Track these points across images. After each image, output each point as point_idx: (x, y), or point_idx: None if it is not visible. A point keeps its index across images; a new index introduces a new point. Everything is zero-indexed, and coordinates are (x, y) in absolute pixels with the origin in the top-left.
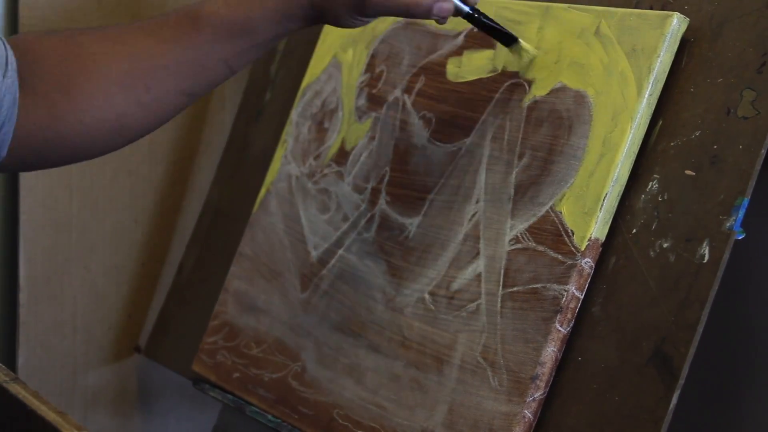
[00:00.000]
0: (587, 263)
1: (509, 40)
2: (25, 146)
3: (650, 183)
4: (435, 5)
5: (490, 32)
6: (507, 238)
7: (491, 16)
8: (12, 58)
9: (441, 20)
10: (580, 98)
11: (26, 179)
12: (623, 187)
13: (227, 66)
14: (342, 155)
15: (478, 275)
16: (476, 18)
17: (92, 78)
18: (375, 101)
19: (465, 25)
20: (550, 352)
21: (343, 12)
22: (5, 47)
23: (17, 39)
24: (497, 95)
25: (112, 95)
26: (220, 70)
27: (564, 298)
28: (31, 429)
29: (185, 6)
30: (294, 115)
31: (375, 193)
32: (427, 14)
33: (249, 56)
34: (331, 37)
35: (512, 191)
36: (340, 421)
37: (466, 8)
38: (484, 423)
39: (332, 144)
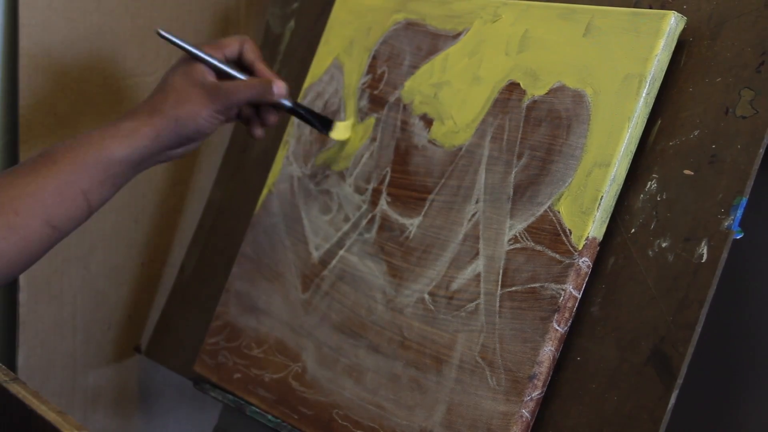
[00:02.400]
0: (585, 262)
1: (326, 126)
2: None
3: (649, 182)
4: (274, 86)
5: (308, 121)
6: (506, 238)
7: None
8: None
9: (254, 121)
10: (578, 98)
11: None
12: (621, 187)
13: (85, 198)
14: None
15: (478, 275)
16: (297, 110)
17: None
18: (376, 102)
19: (465, 26)
20: (548, 351)
21: (200, 109)
22: None
23: None
24: (496, 95)
25: None
26: (79, 202)
27: (561, 298)
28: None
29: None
30: None
31: (376, 193)
32: (271, 95)
33: (107, 191)
34: (332, 38)
35: (511, 191)
36: (340, 421)
37: (288, 103)
38: (482, 422)
39: (334, 145)
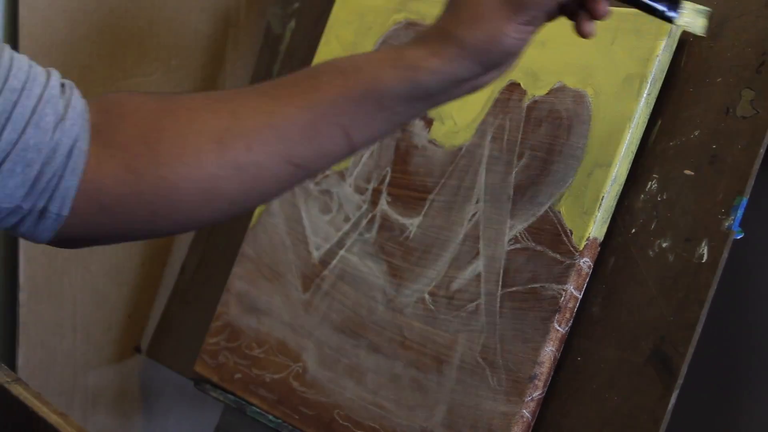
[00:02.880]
0: (585, 263)
1: (673, 11)
2: (95, 203)
3: (649, 183)
4: None
5: (648, 9)
6: (506, 238)
7: None
8: (79, 104)
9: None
10: (579, 98)
11: None
12: (622, 187)
13: (346, 135)
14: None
15: (478, 275)
16: None
17: (183, 132)
18: None
19: None
20: (549, 351)
21: (505, 24)
22: (71, 91)
23: (105, 97)
24: (497, 95)
25: (204, 152)
26: (336, 138)
27: (562, 298)
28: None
29: (309, 67)
30: None
31: (376, 193)
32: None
33: (376, 127)
34: (333, 38)
35: (512, 191)
36: (341, 421)
37: None
38: (483, 423)
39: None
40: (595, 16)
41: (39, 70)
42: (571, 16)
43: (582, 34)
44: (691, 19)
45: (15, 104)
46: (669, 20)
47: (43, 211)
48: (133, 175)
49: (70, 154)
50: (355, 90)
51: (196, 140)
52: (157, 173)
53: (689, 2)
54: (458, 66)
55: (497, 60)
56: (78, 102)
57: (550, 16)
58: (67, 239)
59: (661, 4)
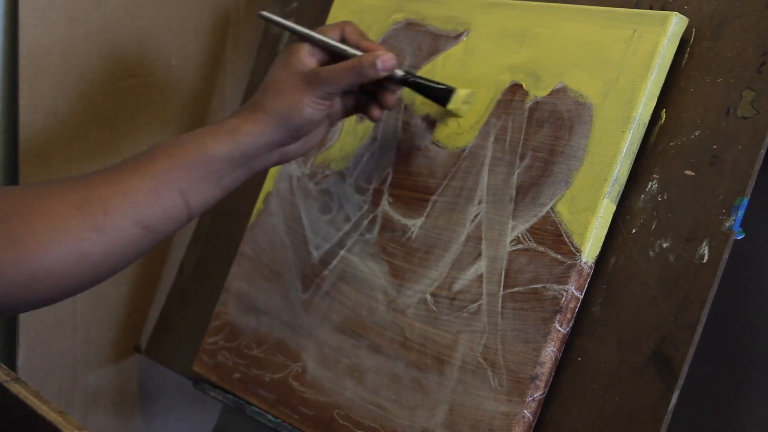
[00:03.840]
0: (586, 263)
1: (445, 97)
2: None
3: (650, 183)
4: (378, 60)
5: (426, 93)
6: (508, 239)
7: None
8: None
9: (384, 76)
10: (580, 99)
11: (26, 179)
12: (622, 187)
13: (183, 198)
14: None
15: (480, 276)
16: (411, 81)
17: (50, 203)
18: None
19: (466, 27)
20: (550, 352)
21: (302, 97)
22: None
23: None
24: (499, 96)
25: (69, 219)
26: (175, 201)
27: (563, 298)
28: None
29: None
30: None
31: (377, 194)
32: (374, 71)
33: (208, 191)
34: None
35: (514, 192)
36: (341, 421)
37: (400, 72)
38: (484, 423)
39: (334, 145)
40: (384, 106)
41: None
42: (364, 108)
43: (371, 117)
44: (460, 103)
45: None
46: (442, 104)
47: None
48: (11, 243)
49: None
50: (186, 157)
51: (61, 209)
52: (32, 239)
53: (462, 89)
54: (266, 129)
55: (299, 125)
56: None
57: (344, 107)
58: None
59: (439, 90)
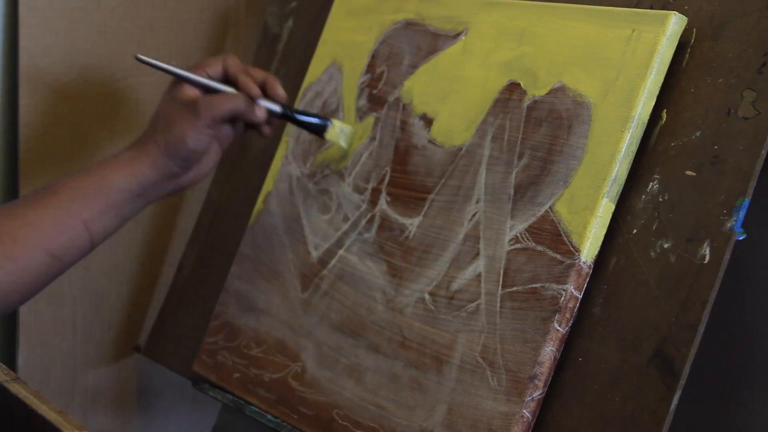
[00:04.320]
0: (585, 263)
1: (321, 129)
2: None
3: (651, 183)
4: (257, 108)
5: (304, 126)
6: (507, 238)
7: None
8: None
9: (261, 123)
10: (579, 98)
11: (26, 179)
12: (622, 187)
13: (86, 228)
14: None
15: (478, 275)
16: (289, 115)
17: None
18: (376, 101)
19: (465, 26)
20: (549, 351)
21: (185, 128)
22: None
23: None
24: (497, 95)
25: None
26: (80, 231)
27: (562, 298)
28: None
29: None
30: None
31: (375, 193)
32: (251, 113)
33: (109, 221)
34: (331, 37)
35: (512, 191)
36: (340, 421)
37: (278, 108)
38: (483, 423)
39: (332, 145)
40: (261, 133)
41: None
42: (252, 128)
43: (262, 134)
44: (337, 134)
45: None
46: (320, 134)
47: None
48: None
49: None
50: (87, 188)
51: None
52: None
53: (338, 122)
54: (158, 160)
55: (185, 156)
56: None
57: (227, 134)
58: None
59: (314, 122)
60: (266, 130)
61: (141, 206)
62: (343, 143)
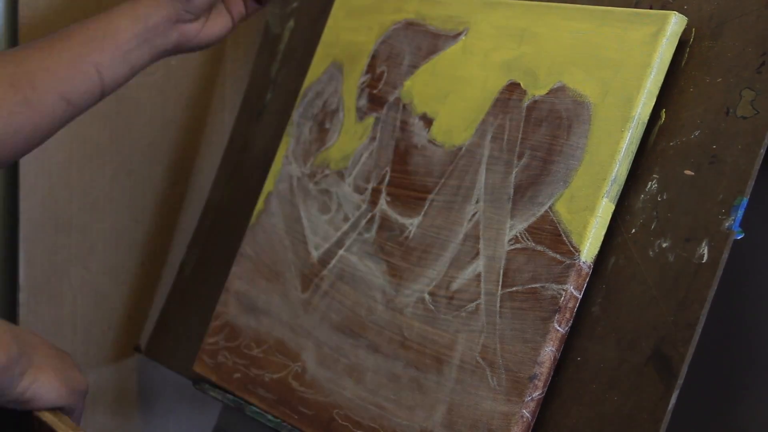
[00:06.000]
0: (585, 263)
1: None
2: None
3: (649, 183)
4: None
5: None
6: (506, 238)
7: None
8: None
9: None
10: (579, 98)
11: (26, 179)
12: (622, 187)
13: (98, 72)
14: (343, 155)
15: (478, 275)
16: None
17: None
18: (376, 102)
19: (465, 26)
20: (549, 351)
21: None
22: None
23: None
24: (497, 95)
25: (1, 94)
26: (92, 76)
27: (562, 298)
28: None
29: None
30: (295, 115)
31: (375, 193)
32: None
33: (118, 66)
34: (332, 37)
35: (512, 191)
36: (340, 421)
37: None
38: (482, 423)
39: (333, 144)
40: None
41: None
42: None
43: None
44: None
45: None
46: None
47: None
48: None
49: None
50: (97, 32)
51: None
52: None
53: None
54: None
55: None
56: None
57: None
58: None
59: None
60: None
61: (148, 56)
62: None
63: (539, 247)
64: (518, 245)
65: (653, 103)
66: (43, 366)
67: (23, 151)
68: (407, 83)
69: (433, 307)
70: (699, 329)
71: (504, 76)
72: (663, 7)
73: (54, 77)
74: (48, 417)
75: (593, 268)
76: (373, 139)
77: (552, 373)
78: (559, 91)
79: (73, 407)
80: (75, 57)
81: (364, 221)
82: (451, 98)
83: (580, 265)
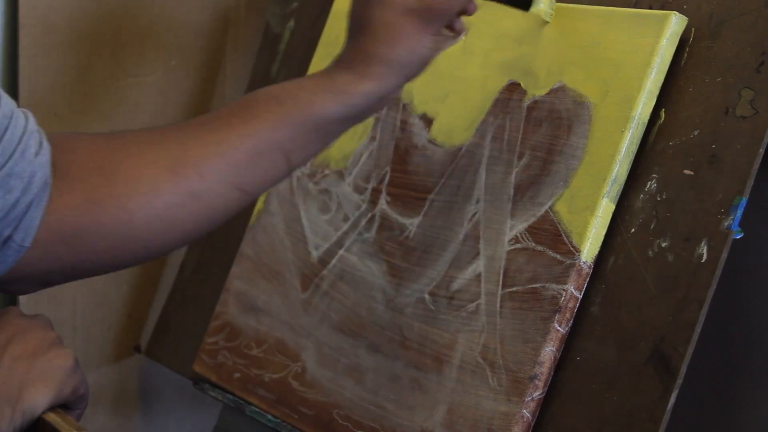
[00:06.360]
0: (585, 263)
1: (526, 3)
2: (56, 234)
3: (649, 182)
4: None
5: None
6: (506, 238)
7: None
8: (46, 143)
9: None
10: (579, 98)
11: None
12: (622, 187)
13: (286, 159)
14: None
15: (478, 275)
16: None
17: (138, 163)
18: None
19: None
20: (549, 351)
21: (421, 38)
22: (40, 132)
23: (53, 135)
24: (497, 95)
25: (160, 182)
26: (278, 163)
27: (562, 298)
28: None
29: (238, 98)
30: None
31: (375, 193)
32: (472, 6)
33: (312, 149)
34: (332, 37)
35: (512, 191)
36: (340, 421)
37: None
38: (483, 423)
39: (333, 144)
40: (454, 30)
41: (16, 107)
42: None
43: (455, 30)
44: (546, 4)
45: (4, 130)
46: (524, 7)
47: (8, 240)
48: (93, 206)
49: (44, 185)
50: (293, 117)
51: (151, 171)
52: (117, 203)
53: None
54: (386, 83)
55: (417, 70)
56: (45, 142)
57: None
58: (21, 277)
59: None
60: (459, 24)
61: (350, 127)
62: (546, 16)
63: (539, 247)
64: (518, 245)
65: (653, 103)
66: (25, 385)
67: (180, 244)
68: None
69: (433, 307)
70: (698, 329)
71: (504, 76)
72: (662, 7)
73: (231, 166)
74: (50, 417)
75: (593, 268)
76: (373, 138)
77: (552, 373)
78: (559, 91)
79: (72, 389)
80: (260, 144)
81: (364, 221)
82: (451, 98)
83: (580, 265)
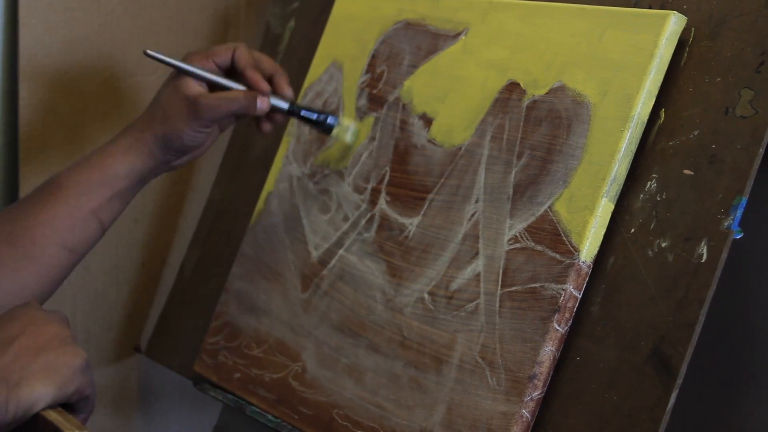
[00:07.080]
0: (585, 263)
1: (329, 128)
2: None
3: (649, 182)
4: (256, 103)
5: (310, 123)
6: (506, 238)
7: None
8: None
9: (261, 117)
10: (578, 98)
11: (26, 179)
12: (621, 187)
13: (96, 218)
14: (342, 155)
15: (477, 275)
16: (295, 112)
17: None
18: (375, 101)
19: (465, 26)
20: (548, 351)
21: (183, 125)
22: None
23: None
24: (496, 95)
25: (1, 253)
26: (91, 222)
27: (562, 298)
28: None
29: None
30: None
31: (375, 193)
32: (253, 110)
33: (115, 207)
34: (332, 37)
35: (511, 191)
36: (340, 421)
37: (285, 105)
38: (482, 422)
39: (333, 144)
40: (260, 129)
41: None
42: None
43: (261, 131)
44: (344, 131)
45: None
46: (326, 132)
47: None
48: None
49: None
50: (92, 180)
51: None
52: None
53: (344, 118)
54: (154, 150)
55: (181, 149)
56: None
57: (223, 126)
58: None
59: (320, 119)
60: (266, 126)
61: (141, 187)
62: (348, 140)
63: (539, 247)
64: (518, 245)
65: (653, 103)
66: (26, 374)
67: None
68: (407, 83)
69: (432, 307)
70: (698, 329)
71: (504, 75)
72: (662, 7)
73: (53, 229)
74: (52, 415)
75: (593, 268)
76: (372, 138)
77: (552, 373)
78: (558, 90)
79: (76, 388)
80: (72, 208)
81: (363, 221)
82: (450, 98)
83: (579, 264)
